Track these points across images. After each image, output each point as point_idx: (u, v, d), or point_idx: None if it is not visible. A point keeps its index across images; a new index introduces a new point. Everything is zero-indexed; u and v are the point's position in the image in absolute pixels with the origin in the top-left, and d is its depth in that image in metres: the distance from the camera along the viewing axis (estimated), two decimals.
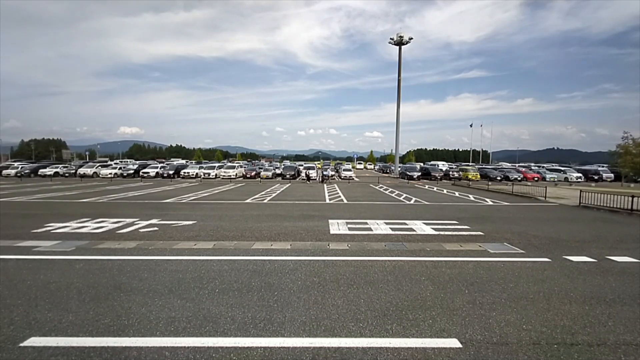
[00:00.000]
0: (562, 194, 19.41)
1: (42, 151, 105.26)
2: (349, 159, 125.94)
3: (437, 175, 33.97)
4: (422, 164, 53.33)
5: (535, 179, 33.18)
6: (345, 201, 15.54)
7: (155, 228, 8.69)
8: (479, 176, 33.58)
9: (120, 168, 35.33)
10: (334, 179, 30.78)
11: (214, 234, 8.07)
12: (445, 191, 21.31)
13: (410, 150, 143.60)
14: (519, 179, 32.49)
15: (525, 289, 4.65)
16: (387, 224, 9.55)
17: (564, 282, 4.94)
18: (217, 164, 41.20)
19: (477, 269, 5.55)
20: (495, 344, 3.23)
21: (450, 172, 35.78)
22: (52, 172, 33.78)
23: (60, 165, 37.74)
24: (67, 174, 34.14)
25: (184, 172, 33.31)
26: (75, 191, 19.26)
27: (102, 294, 4.36)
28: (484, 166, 46.29)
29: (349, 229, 8.87)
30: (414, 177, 33.90)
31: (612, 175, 33.47)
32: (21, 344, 3.15)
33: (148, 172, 33.14)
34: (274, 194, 18.28)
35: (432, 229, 8.92)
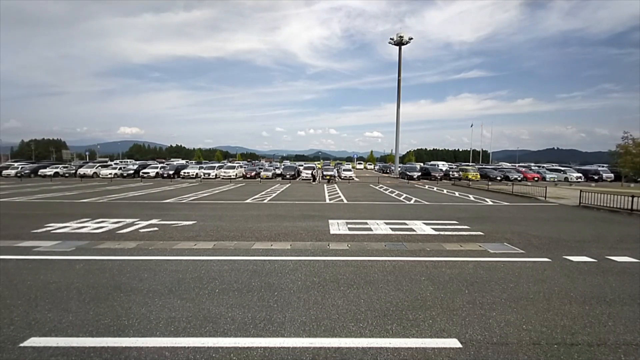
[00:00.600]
0: (562, 194, 19.41)
1: (42, 151, 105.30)
2: (349, 159, 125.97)
3: (437, 175, 33.96)
4: (422, 164, 53.34)
5: (535, 179, 33.18)
6: (345, 201, 15.54)
7: (155, 228, 8.69)
8: (479, 176, 33.58)
9: (120, 168, 35.33)
10: (334, 179, 30.76)
11: (214, 234, 8.07)
12: (445, 191, 21.31)
13: (410, 150, 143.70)
14: (519, 179, 32.49)
15: (525, 289, 4.65)
16: (387, 224, 9.55)
17: (564, 282, 4.94)
18: (217, 164, 41.23)
19: (477, 269, 5.55)
20: (495, 344, 3.23)
21: (450, 172, 35.78)
22: (52, 173, 33.78)
23: (60, 166, 37.74)
24: (67, 174, 34.14)
25: (184, 172, 33.31)
26: (75, 191, 19.26)
27: (102, 294, 4.36)
28: (484, 166, 46.30)
29: (349, 229, 8.87)
30: (414, 177, 33.90)
31: (612, 175, 33.47)
32: (21, 344, 3.15)
33: (148, 173, 33.14)
34: (274, 194, 18.28)
35: (432, 229, 8.92)
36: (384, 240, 7.62)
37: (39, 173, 33.95)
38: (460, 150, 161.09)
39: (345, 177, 32.52)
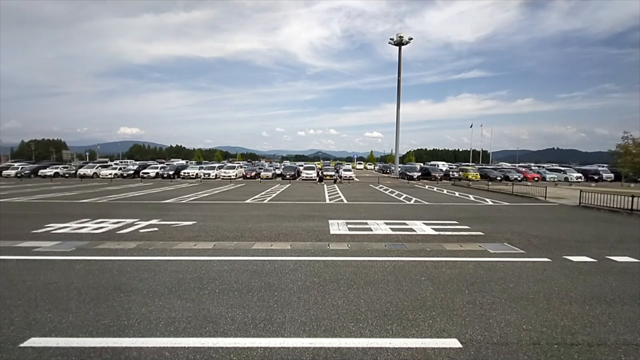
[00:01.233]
0: (562, 194, 19.41)
1: (42, 152, 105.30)
2: (349, 159, 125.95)
3: (437, 175, 33.96)
4: (422, 164, 53.34)
5: (535, 179, 33.18)
6: (345, 201, 15.54)
7: (156, 228, 8.69)
8: (479, 176, 33.58)
9: (120, 168, 35.34)
10: (333, 178, 30.72)
11: (214, 234, 8.07)
12: (445, 191, 21.31)
13: (410, 151, 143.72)
14: (519, 179, 32.49)
15: (526, 289, 4.65)
16: (387, 224, 9.55)
17: (564, 282, 4.94)
18: (217, 165, 41.25)
19: (477, 269, 5.54)
20: (495, 344, 3.23)
21: (450, 172, 35.79)
22: (52, 173, 33.79)
23: (61, 166, 37.74)
24: (67, 175, 34.15)
25: (184, 173, 33.33)
26: (75, 192, 19.27)
27: (102, 294, 4.36)
28: (484, 166, 46.31)
29: (349, 229, 8.87)
30: (414, 177, 33.90)
31: (612, 175, 33.47)
32: (21, 345, 3.15)
33: (148, 173, 33.15)
34: (274, 194, 18.28)
35: (432, 229, 8.92)
36: (384, 240, 7.62)
37: (39, 173, 33.96)
38: (460, 150, 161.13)
39: (345, 177, 32.53)
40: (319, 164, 69.87)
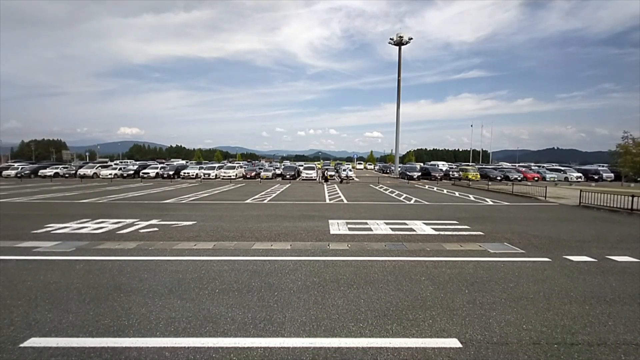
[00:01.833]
0: (562, 193, 19.41)
1: (42, 152, 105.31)
2: (349, 159, 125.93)
3: (437, 175, 33.96)
4: (422, 164, 53.34)
5: (535, 178, 33.18)
6: (345, 201, 15.54)
7: (156, 228, 8.69)
8: (479, 176, 33.58)
9: (120, 169, 35.34)
10: (334, 179, 30.68)
11: (214, 234, 8.07)
12: (445, 191, 21.31)
13: (410, 151, 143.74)
14: (519, 178, 32.49)
15: (526, 289, 4.65)
16: (387, 224, 9.55)
17: (564, 282, 4.94)
18: (217, 165, 41.25)
19: (477, 269, 5.54)
20: (495, 344, 3.23)
21: (450, 172, 35.78)
22: (52, 173, 33.80)
23: (61, 166, 37.76)
24: (67, 175, 34.17)
25: (184, 173, 33.33)
26: (75, 192, 19.27)
27: (102, 294, 4.36)
28: (484, 166, 46.31)
29: (349, 229, 8.87)
30: (414, 177, 33.90)
31: (612, 175, 33.46)
32: (21, 345, 3.15)
33: (148, 173, 33.16)
34: (274, 194, 18.28)
35: (432, 229, 8.92)
36: (384, 240, 7.62)
37: (39, 173, 33.96)
38: (460, 150, 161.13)
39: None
40: (319, 164, 69.87)
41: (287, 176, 32.39)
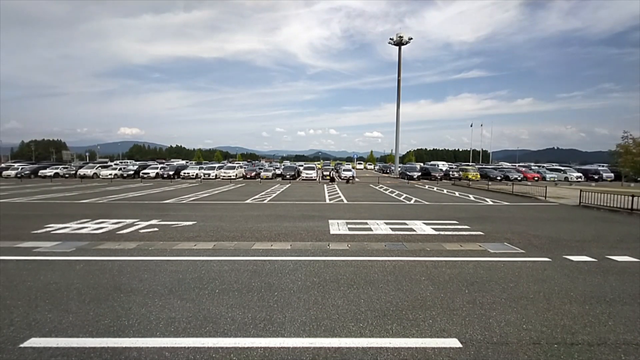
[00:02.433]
0: (562, 193, 19.40)
1: (42, 152, 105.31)
2: (349, 159, 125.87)
3: (437, 175, 33.97)
4: (422, 164, 53.33)
5: (536, 178, 33.18)
6: (345, 201, 15.54)
7: (156, 229, 8.69)
8: (479, 176, 33.58)
9: (120, 169, 35.34)
10: (346, 179, 30.47)
11: (214, 234, 8.07)
12: (445, 191, 21.31)
13: (410, 150, 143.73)
14: (519, 178, 32.49)
15: (526, 289, 4.65)
16: (387, 224, 9.55)
17: (564, 282, 4.94)
18: (217, 165, 41.26)
19: (477, 268, 5.54)
20: (495, 344, 3.23)
21: (450, 172, 35.79)
22: (52, 173, 33.79)
23: (61, 166, 37.76)
24: (67, 175, 34.17)
25: (184, 173, 33.33)
26: (75, 192, 19.27)
27: (102, 294, 4.36)
28: (484, 166, 46.31)
29: (349, 229, 8.87)
30: (414, 177, 33.90)
31: (612, 174, 33.45)
32: (21, 345, 3.15)
33: (148, 173, 33.16)
34: (274, 195, 18.28)
35: (432, 229, 8.91)
36: (384, 240, 7.61)
37: (39, 174, 33.94)
38: (460, 150, 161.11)
39: (345, 177, 32.53)
40: (319, 164, 69.83)
41: (287, 176, 32.39)
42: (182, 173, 33.56)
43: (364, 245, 7.09)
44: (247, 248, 6.76)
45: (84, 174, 33.30)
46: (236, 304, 4.07)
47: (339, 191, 20.55)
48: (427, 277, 5.11)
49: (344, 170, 34.50)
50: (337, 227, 9.10)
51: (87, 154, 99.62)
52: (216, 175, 33.06)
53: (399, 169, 42.48)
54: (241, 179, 33.58)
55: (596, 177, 33.44)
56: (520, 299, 4.29)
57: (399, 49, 42.96)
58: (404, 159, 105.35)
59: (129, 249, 6.63)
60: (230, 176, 33.15)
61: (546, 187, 18.62)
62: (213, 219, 10.38)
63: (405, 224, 9.60)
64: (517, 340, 3.30)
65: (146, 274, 5.17)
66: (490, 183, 26.96)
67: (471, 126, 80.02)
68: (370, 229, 8.82)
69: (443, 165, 46.60)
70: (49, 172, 33.95)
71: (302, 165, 42.19)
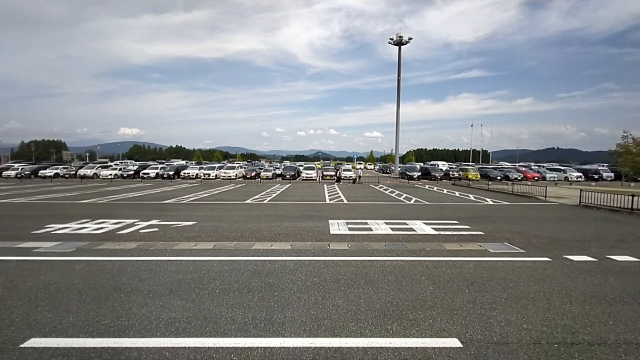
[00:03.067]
0: (563, 193, 19.40)
1: (42, 152, 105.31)
2: (349, 159, 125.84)
3: (437, 175, 33.97)
4: (422, 164, 53.33)
5: (536, 178, 33.19)
6: (345, 201, 15.54)
7: (156, 229, 8.69)
8: (479, 176, 33.58)
9: (120, 169, 35.35)
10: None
11: (214, 234, 8.07)
12: (445, 191, 21.31)
13: (410, 150, 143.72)
14: (519, 178, 32.50)
15: (526, 289, 4.65)
16: (387, 224, 9.55)
17: (564, 282, 4.94)
18: (217, 165, 41.26)
19: (477, 268, 5.54)
20: (495, 344, 3.23)
21: (451, 172, 35.79)
22: (52, 174, 33.80)
23: (61, 167, 37.77)
24: (67, 175, 34.19)
25: (184, 173, 33.34)
26: (75, 192, 19.27)
27: (103, 294, 4.36)
28: (484, 166, 46.30)
29: (349, 229, 8.87)
30: (414, 177, 33.91)
31: (612, 174, 33.45)
32: (22, 345, 3.15)
33: (148, 173, 33.16)
34: (274, 195, 18.28)
35: (433, 228, 8.91)
36: (384, 240, 7.61)
37: (39, 174, 33.94)
38: (460, 150, 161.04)
39: (345, 177, 32.53)
40: (319, 164, 69.84)
41: (287, 176, 32.40)
42: (182, 173, 33.57)
43: (364, 245, 7.09)
44: (247, 248, 6.76)
45: (84, 174, 33.30)
46: (236, 304, 4.07)
47: (339, 191, 20.55)
48: (428, 277, 5.11)
49: (344, 170, 34.48)
50: (337, 227, 9.10)
51: (87, 154, 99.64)
52: (216, 175, 33.07)
53: (399, 169, 42.47)
54: (241, 179, 33.58)
55: (596, 176, 33.44)
56: (521, 299, 4.29)
57: (399, 49, 42.94)
58: (404, 159, 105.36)
59: (129, 249, 6.63)
60: (230, 176, 33.15)
61: (546, 186, 18.62)
62: (213, 219, 10.38)
63: (405, 224, 9.60)
64: (518, 340, 3.30)
65: (146, 274, 5.17)
66: (490, 183, 26.95)
67: (471, 126, 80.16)
68: (370, 229, 8.82)
69: (443, 165, 46.61)
70: (49, 172, 33.96)
71: (302, 166, 42.18)
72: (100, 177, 33.25)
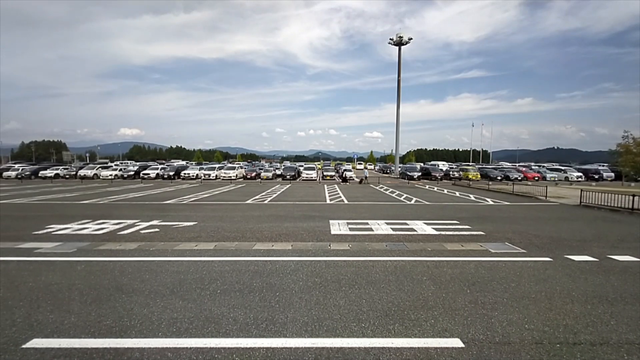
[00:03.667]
0: (563, 193, 19.40)
1: (43, 153, 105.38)
2: (349, 159, 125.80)
3: (437, 175, 33.97)
4: (422, 164, 53.33)
5: (536, 178, 33.18)
6: (345, 201, 15.54)
7: (156, 229, 8.69)
8: (479, 176, 33.56)
9: (120, 169, 35.36)
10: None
11: (214, 234, 8.07)
12: (445, 191, 21.30)
13: (410, 151, 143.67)
14: (520, 178, 32.49)
15: (527, 289, 4.65)
16: (388, 224, 9.55)
17: (565, 282, 4.94)
18: (217, 165, 41.26)
19: (478, 268, 5.54)
20: (497, 344, 3.23)
21: (451, 172, 35.79)
22: (52, 174, 33.83)
23: (61, 167, 37.79)
24: (67, 176, 34.21)
25: (184, 173, 33.35)
26: (75, 193, 19.28)
27: (104, 295, 4.36)
28: (484, 166, 46.30)
29: (350, 229, 8.87)
30: (414, 177, 33.90)
31: (612, 174, 33.44)
32: (23, 346, 3.15)
33: (148, 174, 33.17)
34: (274, 195, 18.28)
35: (433, 229, 8.91)
36: (385, 240, 7.61)
37: (39, 175, 33.96)
38: (461, 150, 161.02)
39: (346, 177, 32.51)
40: (319, 164, 69.85)
41: (288, 177, 32.39)
42: (182, 174, 33.57)
43: (365, 246, 7.09)
44: (248, 248, 6.76)
45: (85, 175, 33.32)
46: (238, 305, 4.07)
47: (339, 191, 20.55)
48: (429, 277, 5.11)
49: (345, 170, 34.47)
50: (338, 227, 9.10)
51: (87, 154, 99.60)
52: (216, 175, 33.07)
53: (399, 169, 42.47)
54: (241, 179, 33.58)
55: (596, 176, 33.43)
56: (522, 299, 4.29)
57: (399, 49, 42.95)
58: (404, 159, 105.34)
59: (130, 250, 6.63)
60: (230, 177, 33.15)
61: (546, 186, 18.61)
62: (214, 219, 10.38)
63: (406, 224, 9.60)
64: (520, 340, 3.30)
65: (147, 274, 5.17)
66: (490, 183, 26.94)
67: (472, 126, 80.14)
68: (371, 229, 8.82)
69: (443, 165, 46.59)
70: (49, 173, 33.99)
71: (302, 166, 42.16)
72: (101, 177, 33.26)
